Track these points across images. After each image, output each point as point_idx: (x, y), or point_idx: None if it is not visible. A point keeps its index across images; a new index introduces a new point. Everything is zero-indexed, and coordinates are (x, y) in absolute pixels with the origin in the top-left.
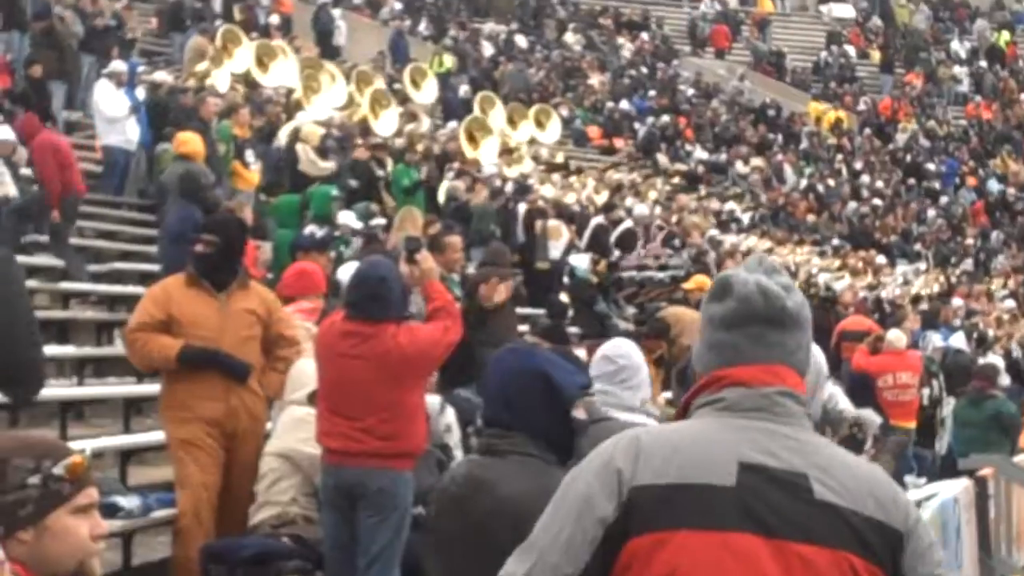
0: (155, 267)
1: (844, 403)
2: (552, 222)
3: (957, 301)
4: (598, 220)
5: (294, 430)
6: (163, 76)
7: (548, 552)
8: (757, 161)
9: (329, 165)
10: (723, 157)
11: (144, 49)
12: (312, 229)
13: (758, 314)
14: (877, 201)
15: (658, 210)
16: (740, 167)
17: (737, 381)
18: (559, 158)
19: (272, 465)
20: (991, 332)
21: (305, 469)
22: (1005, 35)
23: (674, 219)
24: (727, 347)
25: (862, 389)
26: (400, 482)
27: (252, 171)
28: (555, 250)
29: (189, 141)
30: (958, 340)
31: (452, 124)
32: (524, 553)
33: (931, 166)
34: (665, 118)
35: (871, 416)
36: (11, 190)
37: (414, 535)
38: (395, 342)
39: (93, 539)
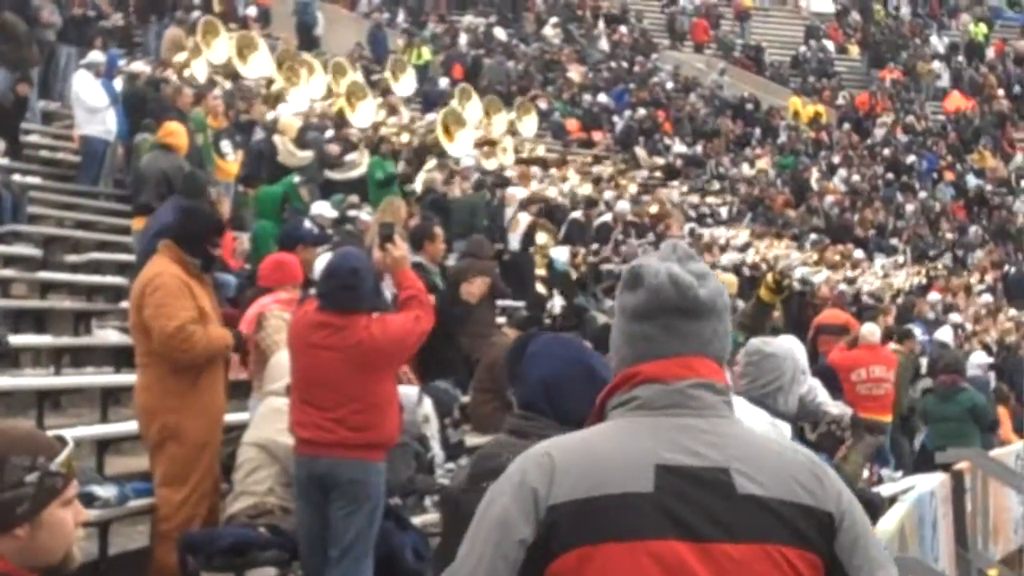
0: (132, 257)
1: (823, 396)
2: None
3: (934, 296)
4: (574, 214)
5: (272, 420)
6: (141, 67)
7: None
8: (762, 163)
9: (307, 155)
10: (700, 150)
11: (122, 40)
12: (310, 224)
13: (670, 304)
14: (854, 195)
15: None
16: (746, 169)
17: (650, 377)
18: (539, 151)
19: (249, 455)
20: (969, 327)
21: (282, 459)
22: (983, 28)
23: (653, 209)
24: (639, 339)
25: (831, 383)
26: (372, 472)
27: (230, 161)
28: (515, 240)
29: (175, 133)
30: (944, 334)
31: (431, 116)
32: None
33: (909, 160)
34: (643, 111)
35: (845, 408)
36: None
37: (387, 524)
38: (367, 333)
39: (75, 526)
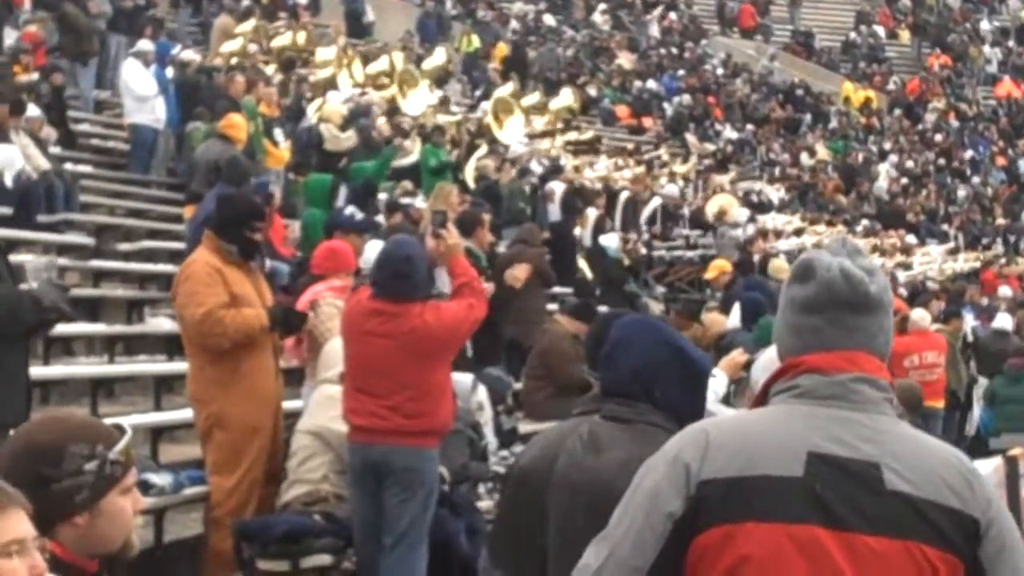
0: (183, 245)
1: None
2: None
3: (1005, 290)
4: (628, 199)
5: (326, 408)
6: (191, 55)
7: (619, 546)
8: (822, 152)
9: (349, 135)
10: (750, 136)
11: (172, 29)
12: (352, 210)
13: (842, 298)
14: (906, 180)
15: (689, 189)
16: (805, 159)
17: (813, 368)
18: (589, 135)
19: (303, 443)
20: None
21: (336, 447)
22: None
23: (709, 195)
24: (807, 330)
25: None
26: (426, 459)
27: (281, 149)
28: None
29: (237, 125)
30: (1003, 322)
31: (484, 105)
32: (599, 545)
33: (962, 148)
34: (692, 98)
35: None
36: (42, 162)
37: (441, 511)
38: (421, 320)
39: (134, 514)
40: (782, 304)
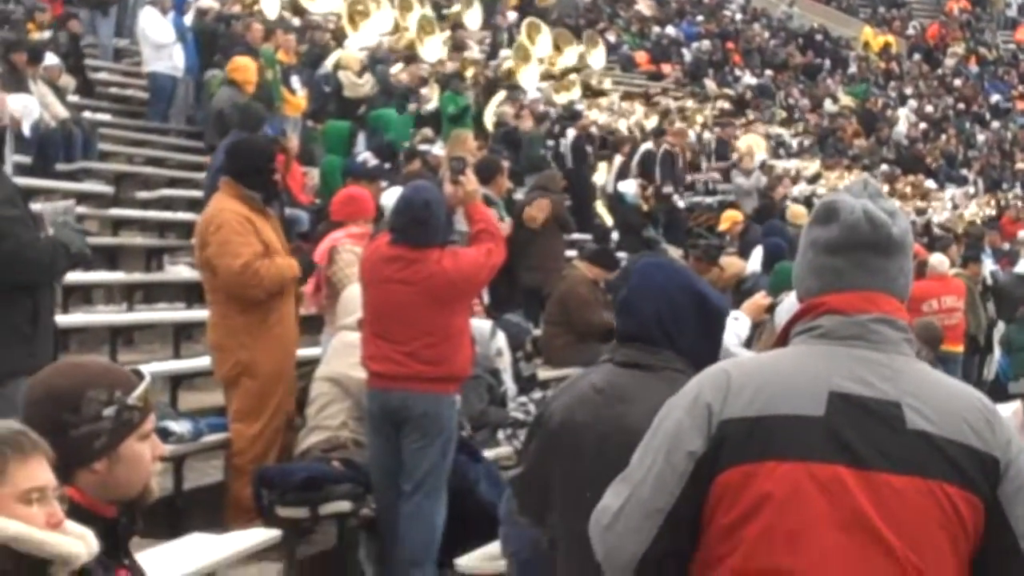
0: (202, 193)
1: None
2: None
3: None
4: (647, 146)
5: (344, 355)
6: (210, 2)
7: (641, 486)
8: (844, 99)
9: (367, 80)
10: (769, 82)
11: None
12: (366, 156)
13: (864, 240)
14: (925, 125)
15: (707, 134)
16: (828, 105)
17: (834, 308)
18: (606, 84)
19: (322, 389)
20: None
21: (354, 393)
22: None
23: (742, 144)
24: (829, 271)
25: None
26: (444, 405)
27: (299, 97)
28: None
29: (241, 68)
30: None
31: (504, 53)
32: (619, 485)
33: (982, 92)
34: (711, 43)
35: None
36: (60, 111)
37: (460, 456)
38: (439, 267)
39: (153, 460)
40: (803, 245)
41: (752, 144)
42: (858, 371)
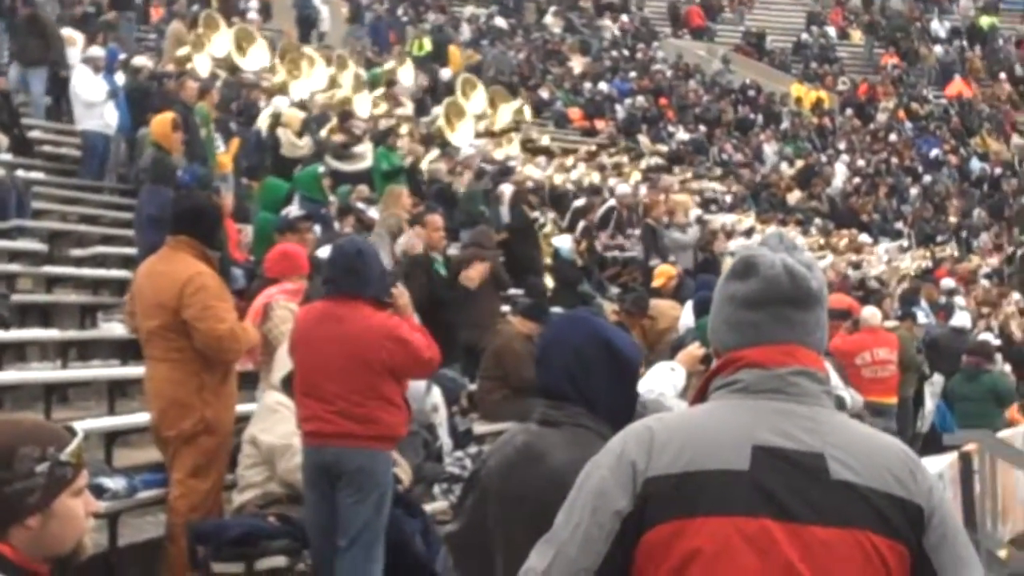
0: (136, 251)
1: (836, 381)
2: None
3: (947, 282)
4: (578, 202)
5: (261, 418)
6: (143, 61)
7: (567, 546)
8: (782, 166)
9: (306, 142)
10: (702, 136)
11: (123, 35)
12: (287, 210)
13: (784, 294)
14: (858, 180)
15: (642, 190)
16: (773, 160)
17: (753, 362)
18: (544, 140)
19: (246, 450)
20: (983, 310)
21: (266, 457)
22: (986, 20)
23: (661, 197)
24: (747, 325)
25: (839, 370)
26: (379, 461)
27: (222, 153)
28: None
29: (155, 124)
30: (961, 319)
31: (436, 110)
32: (544, 546)
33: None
34: (641, 99)
35: (856, 396)
36: None
37: (396, 511)
38: (369, 323)
39: (86, 516)
40: (719, 300)
41: (683, 202)
42: (780, 424)
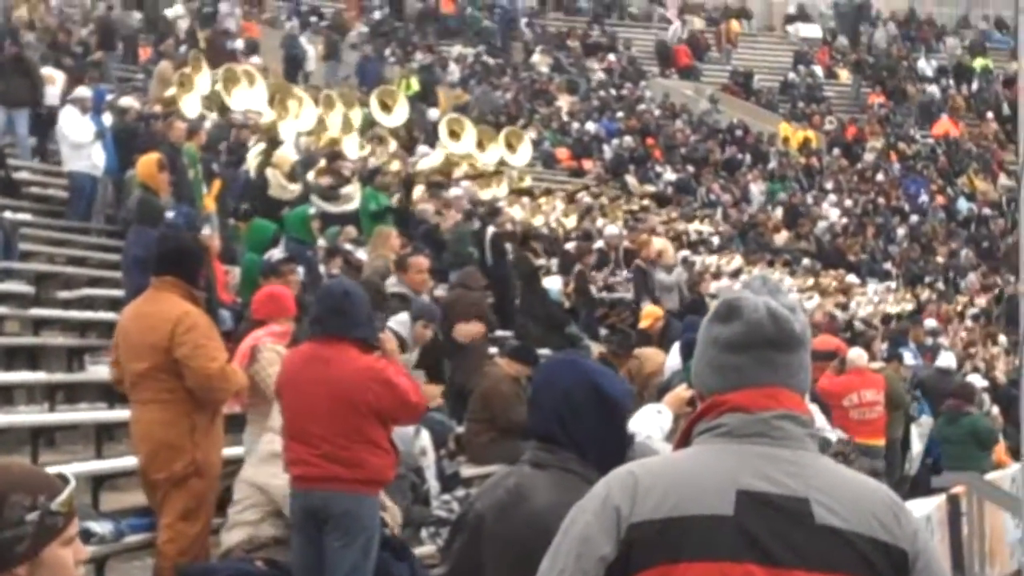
0: (123, 293)
1: (822, 422)
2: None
3: (930, 322)
4: (569, 245)
5: (268, 463)
6: (130, 102)
7: None
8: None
9: (296, 187)
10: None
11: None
12: (270, 253)
13: (768, 338)
14: (846, 220)
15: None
16: (755, 191)
17: (736, 407)
18: (527, 181)
19: (245, 492)
20: (969, 351)
21: (276, 500)
22: (980, 61)
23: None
24: (731, 369)
25: (825, 412)
26: (365, 505)
27: (206, 195)
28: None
29: (141, 165)
30: (946, 360)
31: (422, 149)
32: None
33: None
34: (629, 140)
35: (841, 435)
36: None
37: (384, 554)
38: (355, 366)
39: (76, 565)
40: (702, 343)
41: (659, 247)
42: (764, 468)
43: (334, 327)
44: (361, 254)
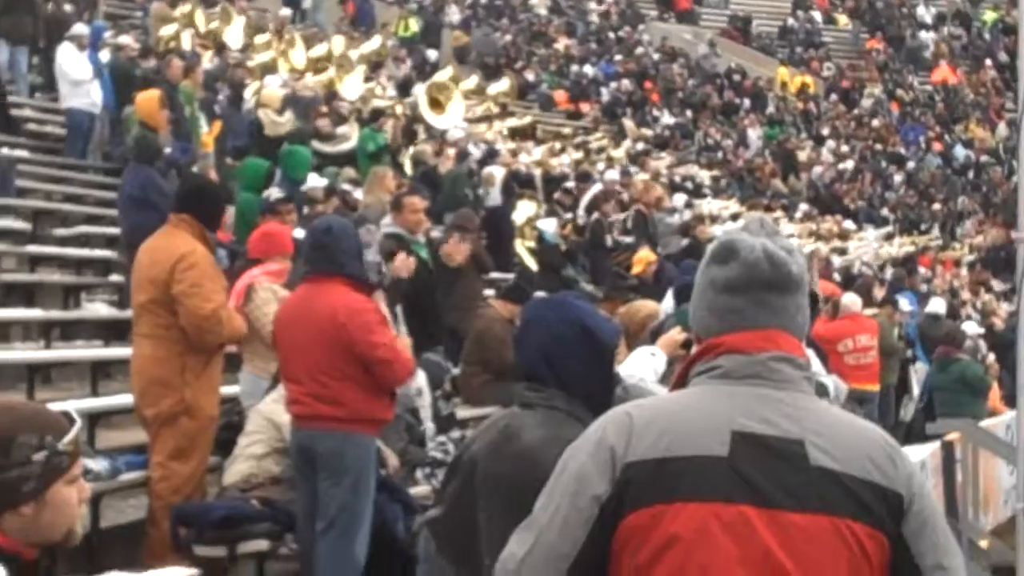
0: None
1: (818, 367)
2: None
3: (921, 269)
4: (565, 185)
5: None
6: (127, 40)
7: (546, 531)
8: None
9: (287, 118)
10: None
11: (109, 12)
12: (268, 192)
13: (764, 279)
14: (843, 166)
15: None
16: (755, 141)
17: (733, 348)
18: (526, 120)
19: (258, 425)
20: (963, 295)
21: (285, 435)
22: (991, 15)
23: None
24: (729, 311)
25: (821, 357)
26: (350, 444)
27: (207, 134)
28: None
29: (142, 101)
30: (936, 306)
31: (417, 89)
32: (524, 532)
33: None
34: (627, 83)
35: (839, 383)
36: None
37: (379, 496)
38: (336, 303)
39: (80, 504)
40: (700, 285)
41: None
42: (760, 410)
43: (319, 264)
44: (358, 194)
